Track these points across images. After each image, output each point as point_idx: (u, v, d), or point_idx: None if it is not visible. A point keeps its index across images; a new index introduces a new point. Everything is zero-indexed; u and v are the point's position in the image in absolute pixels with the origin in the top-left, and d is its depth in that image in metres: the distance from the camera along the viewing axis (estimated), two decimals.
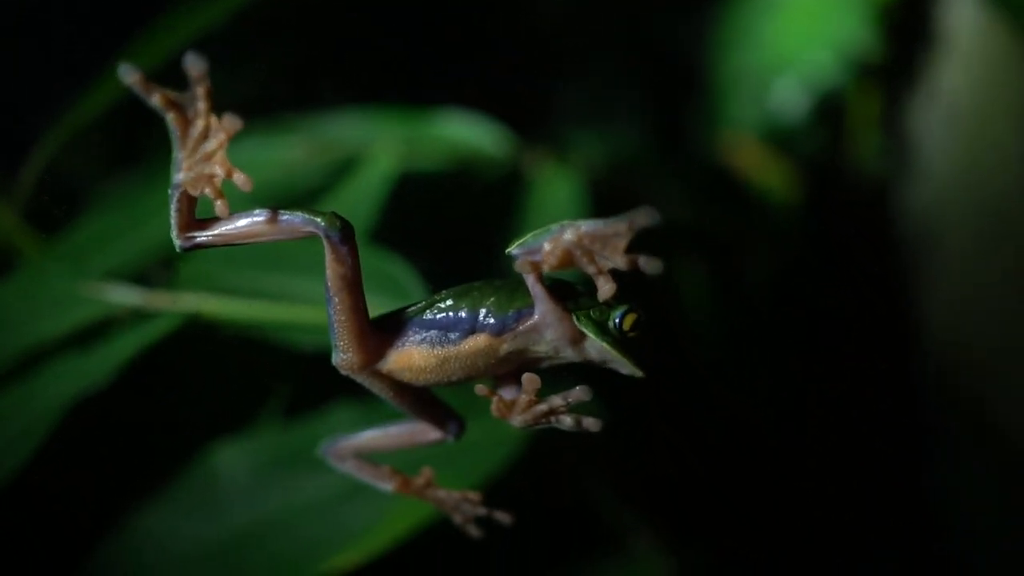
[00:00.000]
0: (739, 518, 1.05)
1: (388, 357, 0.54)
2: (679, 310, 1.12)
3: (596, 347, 0.52)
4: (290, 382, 0.83)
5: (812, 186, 1.55)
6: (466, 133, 0.99)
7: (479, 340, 0.53)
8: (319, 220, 0.50)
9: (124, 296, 0.74)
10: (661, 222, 0.47)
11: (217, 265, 0.81)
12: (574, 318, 0.52)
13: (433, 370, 0.54)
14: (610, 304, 0.52)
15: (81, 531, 0.81)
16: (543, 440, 0.81)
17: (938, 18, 1.50)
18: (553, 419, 0.53)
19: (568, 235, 0.48)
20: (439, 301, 0.54)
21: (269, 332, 0.76)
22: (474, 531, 0.63)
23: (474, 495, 0.61)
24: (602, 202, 1.05)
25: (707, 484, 1.02)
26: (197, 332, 0.77)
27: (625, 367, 0.53)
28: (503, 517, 0.61)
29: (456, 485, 0.76)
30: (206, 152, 0.48)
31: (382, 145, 0.92)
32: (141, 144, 1.05)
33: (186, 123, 0.47)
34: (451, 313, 0.53)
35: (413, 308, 0.55)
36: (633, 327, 0.52)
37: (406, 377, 0.54)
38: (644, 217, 0.47)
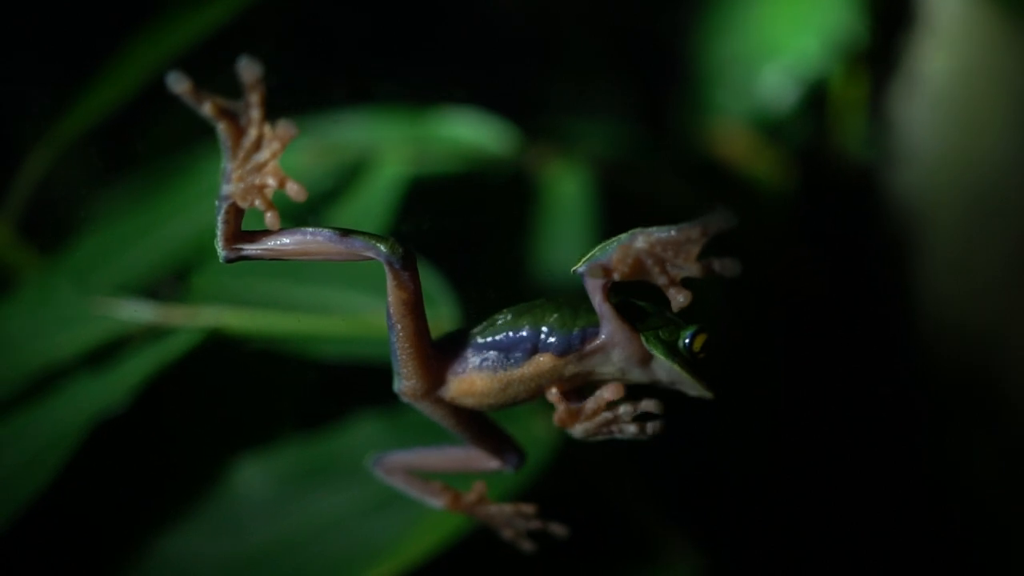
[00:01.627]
0: (756, 515, 1.05)
1: (450, 384, 0.52)
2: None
3: (665, 368, 0.50)
4: (311, 395, 0.81)
5: (800, 172, 1.55)
6: (470, 132, 0.98)
7: (542, 361, 0.50)
8: (380, 246, 0.48)
9: (137, 312, 0.72)
10: (735, 224, 0.45)
11: (230, 276, 0.78)
12: (643, 339, 0.50)
13: (496, 394, 0.51)
14: (679, 324, 0.50)
15: (102, 555, 0.78)
16: (569, 442, 0.80)
17: (922, 2, 1.51)
18: (616, 428, 0.51)
19: (640, 242, 0.46)
20: (499, 320, 0.52)
21: (290, 344, 0.74)
22: (527, 545, 0.61)
23: (528, 508, 0.59)
24: (606, 197, 1.04)
25: (725, 480, 1.01)
26: (216, 346, 0.74)
27: (695, 389, 0.51)
28: (558, 529, 0.59)
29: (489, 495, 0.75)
30: (258, 162, 0.45)
31: (389, 147, 0.90)
32: (136, 152, 1.02)
33: (239, 132, 0.45)
34: (511, 332, 0.51)
35: (473, 329, 0.52)
36: (703, 348, 0.50)
37: (469, 403, 0.52)
38: (719, 221, 0.45)
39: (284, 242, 0.49)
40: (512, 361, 0.51)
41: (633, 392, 0.52)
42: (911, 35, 1.53)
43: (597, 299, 0.49)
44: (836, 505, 1.13)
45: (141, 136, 1.04)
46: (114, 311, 0.73)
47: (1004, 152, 1.32)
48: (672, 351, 0.50)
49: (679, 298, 0.47)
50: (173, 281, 0.78)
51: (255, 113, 0.44)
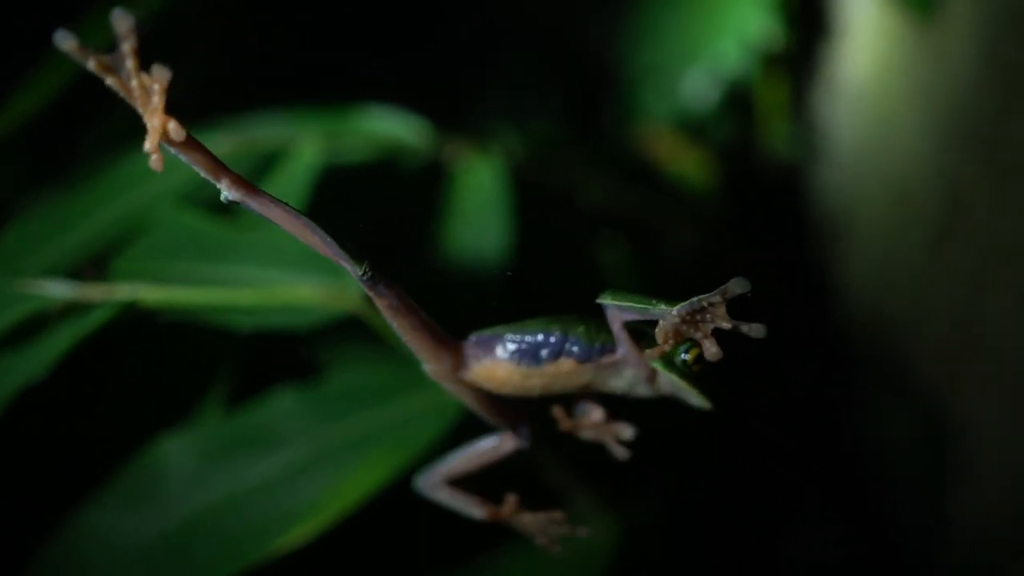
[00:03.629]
0: (680, 476, 1.09)
1: (473, 368, 0.59)
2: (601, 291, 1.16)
3: (666, 381, 0.59)
4: (231, 370, 0.85)
5: (727, 173, 1.61)
6: (387, 126, 1.03)
7: (564, 364, 0.58)
8: (353, 265, 0.55)
9: (58, 290, 0.75)
10: (751, 291, 0.53)
11: (150, 259, 0.83)
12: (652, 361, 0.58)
13: (514, 385, 0.59)
14: (676, 343, 0.57)
15: (22, 533, 0.81)
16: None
17: (837, 8, 1.58)
18: (598, 440, 0.62)
19: (672, 319, 0.53)
20: (531, 324, 0.59)
21: (206, 316, 0.78)
22: (557, 548, 0.67)
23: (558, 515, 0.66)
24: (522, 187, 1.09)
25: (645, 443, 1.05)
26: (134, 323, 0.78)
27: (694, 398, 0.59)
28: (582, 531, 0.66)
29: (400, 456, 0.79)
30: (153, 108, 0.48)
31: (306, 140, 0.94)
32: (66, 153, 1.06)
33: (124, 84, 0.48)
34: (542, 336, 0.58)
35: (506, 327, 0.60)
36: (696, 361, 0.57)
37: (488, 388, 0.59)
38: (736, 287, 0.52)
39: (281, 210, 0.54)
40: (538, 359, 0.58)
41: (617, 412, 0.62)
42: (828, 39, 1.60)
43: (616, 327, 0.57)
44: (759, 471, 1.17)
45: (77, 134, 1.08)
46: (37, 291, 0.77)
47: (917, 146, 1.38)
48: (670, 365, 0.58)
49: (712, 350, 0.54)
50: (95, 264, 0.82)
51: (129, 63, 0.47)
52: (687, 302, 0.53)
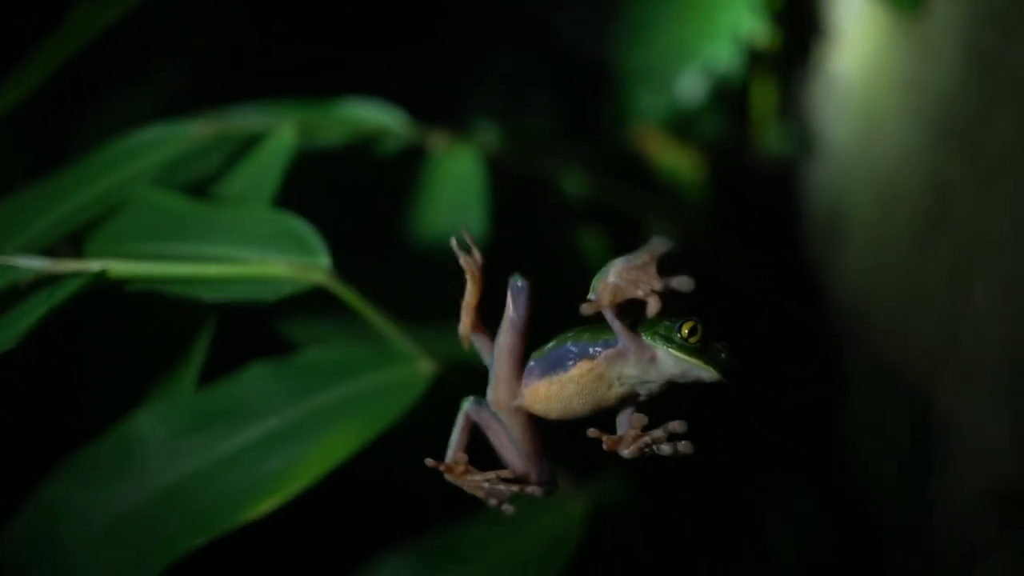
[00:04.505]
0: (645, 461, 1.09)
1: (523, 394, 0.65)
2: (585, 281, 1.17)
3: (667, 357, 0.62)
4: (203, 345, 0.86)
5: (720, 172, 1.62)
6: (369, 115, 1.04)
7: (582, 365, 0.63)
8: (512, 279, 0.63)
9: (31, 265, 0.77)
10: (677, 248, 0.58)
11: (123, 238, 0.84)
12: (644, 337, 0.62)
13: (555, 397, 0.64)
14: (673, 321, 0.62)
15: None
16: (447, 385, 0.86)
17: (825, 6, 1.59)
18: (655, 448, 0.63)
19: (611, 276, 0.59)
20: (552, 343, 0.65)
21: (175, 288, 0.79)
22: (510, 509, 0.69)
23: (505, 473, 0.68)
24: (505, 178, 1.11)
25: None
26: (106, 298, 0.80)
27: (703, 371, 0.62)
28: (535, 491, 0.69)
29: (367, 428, 0.81)
30: None
31: (285, 124, 0.96)
32: (57, 146, 1.08)
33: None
34: (560, 348, 0.64)
35: (539, 352, 0.66)
36: (691, 332, 0.61)
37: (538, 409, 0.65)
38: (659, 246, 0.59)
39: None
40: (564, 367, 0.64)
41: (663, 417, 0.64)
42: (818, 37, 1.61)
43: (608, 316, 0.61)
44: (739, 454, 1.17)
45: (62, 128, 1.10)
46: (10, 266, 0.78)
47: (906, 142, 1.39)
48: (668, 341, 0.62)
49: (653, 305, 0.58)
50: (69, 243, 0.84)
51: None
52: (622, 257, 0.58)
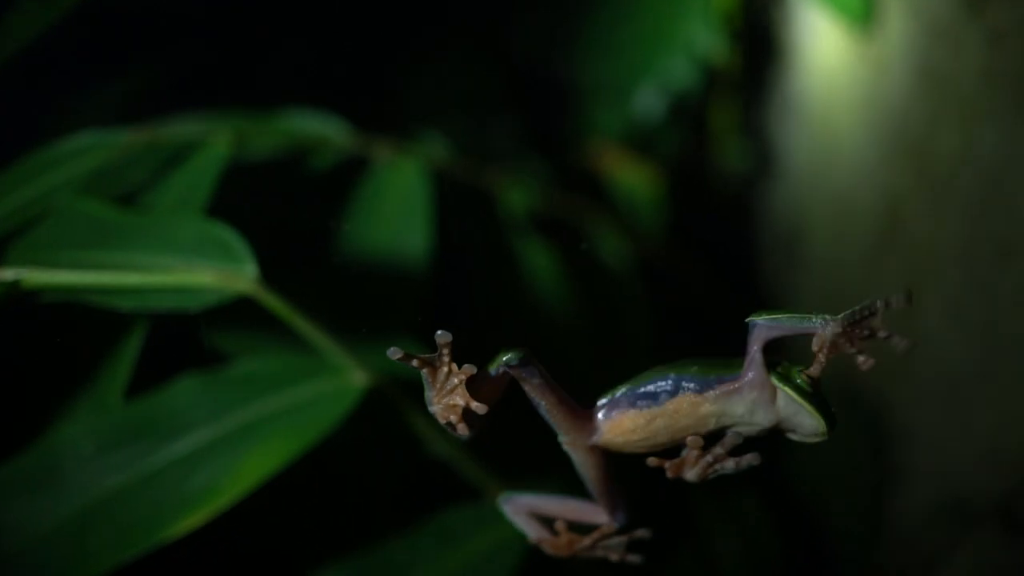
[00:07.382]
0: None
1: (602, 428, 0.62)
2: (534, 295, 1.16)
3: (786, 399, 0.59)
4: (131, 357, 0.84)
5: (677, 188, 1.61)
6: (307, 125, 1.03)
7: (684, 399, 0.60)
8: (503, 358, 0.59)
9: None
10: (912, 301, 0.56)
11: (45, 247, 0.82)
12: (772, 378, 0.59)
13: (640, 430, 0.61)
14: (790, 366, 0.60)
15: None
16: (384, 399, 0.84)
17: (780, 24, 1.60)
18: (719, 466, 0.61)
19: (834, 329, 0.57)
20: (647, 374, 0.62)
21: (96, 298, 0.77)
22: (634, 558, 0.68)
23: (607, 529, 0.67)
24: (453, 191, 1.10)
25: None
26: (30, 310, 0.78)
27: (809, 418, 0.59)
28: (641, 534, 0.67)
29: (298, 440, 0.79)
30: (449, 388, 0.57)
31: (219, 133, 0.95)
32: None
33: (434, 371, 0.58)
34: (659, 381, 0.61)
35: (624, 384, 0.62)
36: (809, 379, 0.59)
37: (617, 444, 0.62)
38: (900, 300, 0.56)
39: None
40: (658, 401, 0.60)
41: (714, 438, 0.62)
42: (777, 56, 1.62)
43: (755, 347, 0.58)
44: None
45: None
46: None
47: (862, 158, 1.39)
48: (790, 383, 0.59)
49: (867, 364, 0.57)
50: None
51: (446, 359, 0.58)
52: (849, 311, 0.56)
